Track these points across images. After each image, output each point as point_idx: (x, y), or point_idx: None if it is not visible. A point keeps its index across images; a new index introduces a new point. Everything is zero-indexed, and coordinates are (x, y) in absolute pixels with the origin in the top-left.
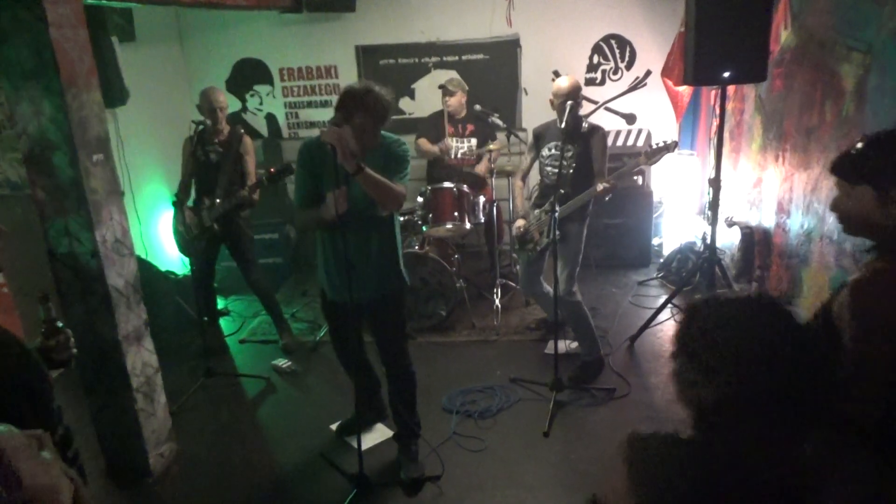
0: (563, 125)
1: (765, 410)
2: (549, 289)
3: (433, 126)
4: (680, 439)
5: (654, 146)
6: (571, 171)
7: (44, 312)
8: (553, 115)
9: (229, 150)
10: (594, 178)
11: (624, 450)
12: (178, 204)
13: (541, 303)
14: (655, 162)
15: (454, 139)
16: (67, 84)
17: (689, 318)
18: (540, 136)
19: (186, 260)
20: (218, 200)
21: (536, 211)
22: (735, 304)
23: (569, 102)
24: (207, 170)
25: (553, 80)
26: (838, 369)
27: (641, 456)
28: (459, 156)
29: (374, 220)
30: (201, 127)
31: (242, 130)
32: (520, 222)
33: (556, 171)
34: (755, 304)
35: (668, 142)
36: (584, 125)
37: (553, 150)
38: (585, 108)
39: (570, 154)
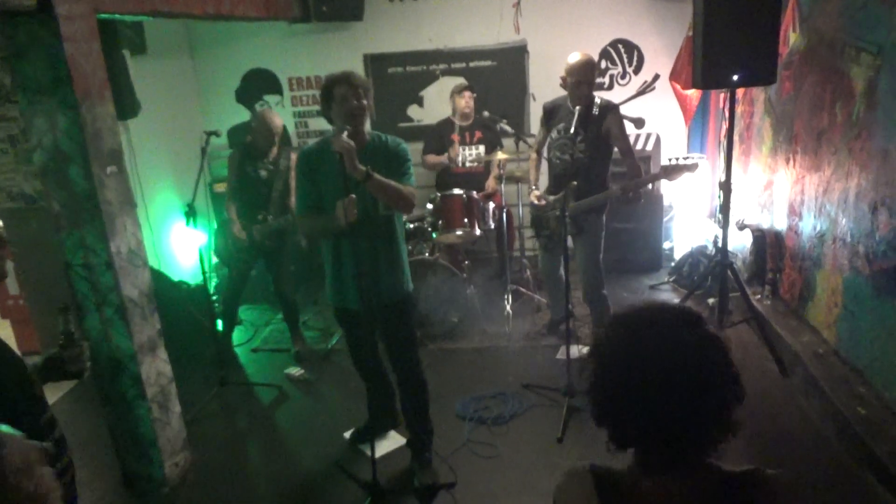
0: (572, 130)
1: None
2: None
3: (439, 134)
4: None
5: (675, 161)
6: (581, 156)
7: (62, 324)
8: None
9: (278, 167)
10: (608, 166)
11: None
12: (225, 217)
13: (560, 293)
14: (674, 179)
15: (461, 147)
16: (82, 97)
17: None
18: (551, 113)
19: (208, 270)
20: (270, 217)
21: (552, 198)
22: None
23: (577, 108)
24: (257, 186)
25: (560, 85)
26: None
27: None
28: (468, 164)
29: (380, 226)
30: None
31: (291, 149)
32: (535, 194)
33: (565, 157)
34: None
35: (690, 163)
36: (596, 106)
37: (562, 133)
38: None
39: (580, 139)
